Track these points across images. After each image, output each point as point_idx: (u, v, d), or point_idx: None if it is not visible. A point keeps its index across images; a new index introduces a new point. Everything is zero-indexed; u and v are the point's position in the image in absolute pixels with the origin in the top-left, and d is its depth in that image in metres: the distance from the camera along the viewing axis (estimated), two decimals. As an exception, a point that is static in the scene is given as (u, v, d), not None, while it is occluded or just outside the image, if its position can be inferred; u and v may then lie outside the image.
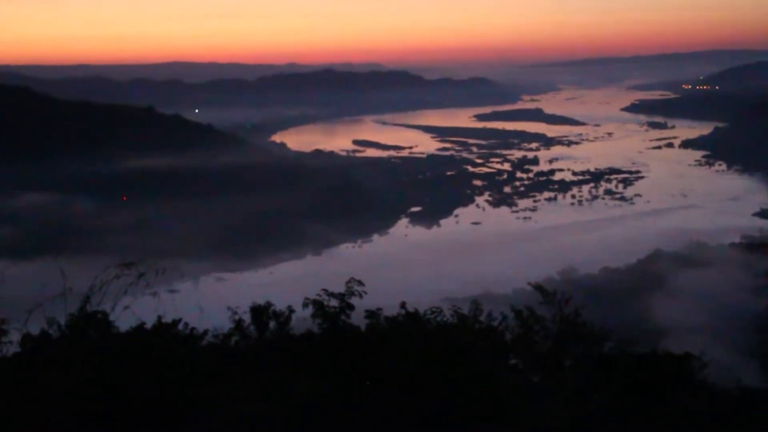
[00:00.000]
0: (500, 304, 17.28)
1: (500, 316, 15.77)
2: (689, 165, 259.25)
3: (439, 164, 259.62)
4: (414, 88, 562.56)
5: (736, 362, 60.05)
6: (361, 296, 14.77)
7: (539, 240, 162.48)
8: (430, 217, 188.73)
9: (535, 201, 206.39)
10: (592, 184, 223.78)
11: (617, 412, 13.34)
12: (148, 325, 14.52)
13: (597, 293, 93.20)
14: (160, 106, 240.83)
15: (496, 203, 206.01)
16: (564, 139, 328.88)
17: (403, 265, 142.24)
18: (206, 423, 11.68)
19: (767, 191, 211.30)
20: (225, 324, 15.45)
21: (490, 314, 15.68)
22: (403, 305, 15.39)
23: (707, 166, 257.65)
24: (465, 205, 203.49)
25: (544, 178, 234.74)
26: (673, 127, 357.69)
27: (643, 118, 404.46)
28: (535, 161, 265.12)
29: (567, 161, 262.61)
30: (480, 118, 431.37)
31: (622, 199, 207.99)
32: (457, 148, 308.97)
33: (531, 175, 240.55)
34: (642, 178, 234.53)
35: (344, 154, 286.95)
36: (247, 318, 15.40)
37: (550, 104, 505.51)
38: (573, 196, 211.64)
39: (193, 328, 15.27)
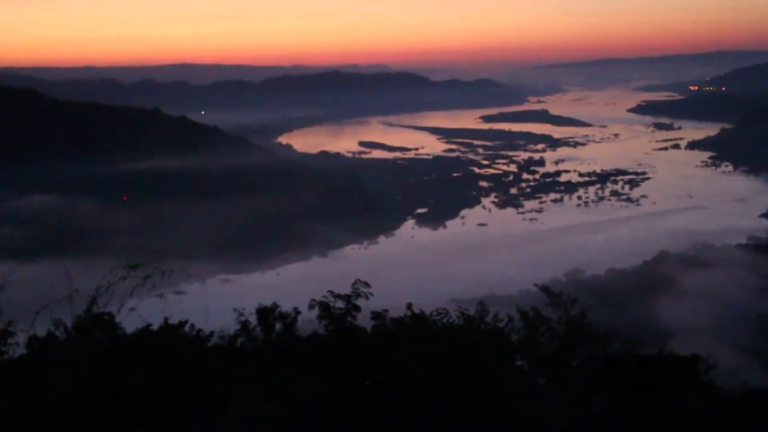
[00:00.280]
0: (506, 305, 17.29)
1: (506, 317, 15.80)
2: (696, 166, 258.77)
3: (446, 165, 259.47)
4: (420, 90, 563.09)
5: (743, 364, 59.94)
6: (367, 298, 14.77)
7: (545, 241, 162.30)
8: (436, 218, 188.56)
9: (541, 202, 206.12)
10: (598, 186, 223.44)
11: (623, 413, 13.34)
12: (155, 327, 14.56)
13: (603, 294, 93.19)
14: (166, 108, 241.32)
15: (502, 204, 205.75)
16: (570, 140, 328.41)
17: (409, 266, 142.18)
18: (212, 424, 11.69)
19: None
20: (231, 325, 15.49)
21: (496, 315, 15.70)
22: (409, 306, 15.40)
23: (714, 167, 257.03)
24: (471, 206, 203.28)
25: (550, 179, 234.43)
26: (679, 128, 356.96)
27: (649, 119, 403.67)
28: (541, 162, 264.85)
29: (573, 162, 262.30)
30: (486, 119, 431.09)
31: (629, 200, 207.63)
32: (463, 149, 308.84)
33: (537, 176, 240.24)
34: (648, 179, 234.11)
35: (350, 155, 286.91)
36: (253, 319, 15.43)
37: (556, 105, 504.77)
38: (579, 198, 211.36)
39: (199, 330, 15.31)
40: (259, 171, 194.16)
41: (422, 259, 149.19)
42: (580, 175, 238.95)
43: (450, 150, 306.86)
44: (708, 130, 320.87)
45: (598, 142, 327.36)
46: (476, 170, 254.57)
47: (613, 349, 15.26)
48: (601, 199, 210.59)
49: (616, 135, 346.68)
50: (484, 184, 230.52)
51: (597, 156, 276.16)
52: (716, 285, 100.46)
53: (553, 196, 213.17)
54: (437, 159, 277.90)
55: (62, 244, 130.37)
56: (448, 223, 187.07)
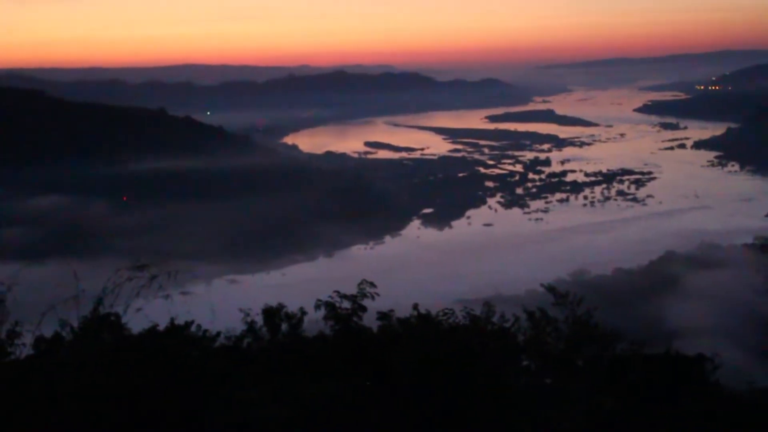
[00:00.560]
0: (512, 305, 17.28)
1: (512, 317, 15.77)
2: (702, 166, 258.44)
3: (451, 166, 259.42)
4: (426, 90, 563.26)
5: (749, 364, 59.87)
6: (373, 298, 14.77)
7: (551, 241, 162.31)
8: (441, 218, 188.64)
9: (547, 202, 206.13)
10: (604, 185, 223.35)
11: (629, 414, 13.31)
12: (161, 328, 14.56)
13: (609, 294, 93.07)
14: (171, 108, 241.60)
15: (508, 204, 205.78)
16: (576, 140, 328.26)
17: (415, 266, 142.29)
18: (218, 425, 11.69)
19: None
20: (237, 326, 15.48)
21: (502, 316, 15.68)
22: (415, 307, 15.39)
23: (720, 167, 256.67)
24: (477, 206, 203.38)
25: (556, 179, 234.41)
26: (685, 127, 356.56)
27: (655, 118, 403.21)
28: (547, 162, 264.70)
29: (579, 162, 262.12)
30: (492, 119, 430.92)
31: (635, 200, 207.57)
32: (469, 149, 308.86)
33: (543, 176, 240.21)
34: (654, 179, 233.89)
35: (356, 155, 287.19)
36: (259, 320, 15.42)
37: (562, 105, 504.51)
38: (585, 197, 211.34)
39: (205, 330, 15.30)
40: (264, 171, 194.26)
41: (428, 259, 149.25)
42: (586, 174, 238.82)
43: (456, 150, 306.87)
44: (714, 129, 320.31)
45: (604, 141, 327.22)
46: (482, 170, 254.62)
47: (620, 349, 15.22)
48: (607, 198, 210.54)
49: (622, 135, 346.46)
50: (489, 184, 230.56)
51: (603, 156, 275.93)
52: (722, 285, 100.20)
53: (559, 196, 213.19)
54: (443, 159, 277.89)
55: (69, 245, 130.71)
56: (454, 223, 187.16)
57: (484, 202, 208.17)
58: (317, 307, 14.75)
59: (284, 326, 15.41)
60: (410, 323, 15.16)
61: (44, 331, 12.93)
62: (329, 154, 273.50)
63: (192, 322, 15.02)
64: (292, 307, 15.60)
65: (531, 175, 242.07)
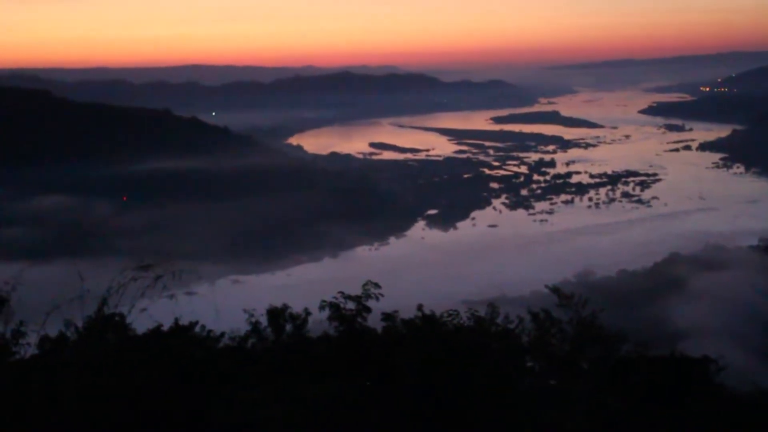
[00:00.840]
0: (517, 306, 17.28)
1: (517, 318, 15.78)
2: (707, 167, 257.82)
3: (456, 167, 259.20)
4: (431, 91, 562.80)
5: (754, 365, 59.79)
6: (377, 299, 14.78)
7: (556, 243, 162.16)
8: (446, 219, 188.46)
9: (552, 204, 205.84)
10: (609, 187, 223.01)
11: (634, 415, 13.30)
12: (166, 328, 14.58)
13: (614, 296, 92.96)
14: (177, 109, 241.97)
15: (512, 206, 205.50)
16: (581, 141, 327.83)
17: (420, 267, 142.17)
18: (222, 425, 11.69)
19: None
20: (242, 326, 15.50)
21: (506, 317, 15.68)
22: (419, 308, 15.39)
23: (725, 169, 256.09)
24: (482, 207, 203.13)
25: (561, 180, 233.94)
26: (690, 129, 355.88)
27: (660, 120, 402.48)
28: (552, 164, 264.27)
29: (584, 164, 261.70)
30: (497, 120, 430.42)
31: (640, 201, 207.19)
32: (474, 150, 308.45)
33: (548, 177, 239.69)
34: (659, 180, 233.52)
35: (361, 156, 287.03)
36: (263, 320, 15.45)
37: (567, 107, 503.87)
38: (590, 199, 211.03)
39: (210, 331, 15.32)
40: (269, 172, 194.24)
41: (433, 261, 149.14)
42: (591, 176, 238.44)
43: (461, 151, 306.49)
44: (719, 131, 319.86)
45: (609, 143, 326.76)
46: (487, 171, 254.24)
47: (625, 351, 15.22)
48: (612, 200, 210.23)
49: (627, 136, 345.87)
50: (494, 185, 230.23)
51: (608, 157, 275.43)
52: (727, 287, 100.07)
53: (563, 197, 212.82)
54: (448, 160, 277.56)
55: (73, 244, 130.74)
56: (459, 224, 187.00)
57: (489, 204, 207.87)
58: (322, 307, 14.78)
59: (288, 327, 15.44)
60: (414, 324, 15.17)
61: (49, 331, 12.96)
62: (334, 155, 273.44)
63: (196, 322, 15.04)
64: (296, 308, 15.63)
65: (536, 177, 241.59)
